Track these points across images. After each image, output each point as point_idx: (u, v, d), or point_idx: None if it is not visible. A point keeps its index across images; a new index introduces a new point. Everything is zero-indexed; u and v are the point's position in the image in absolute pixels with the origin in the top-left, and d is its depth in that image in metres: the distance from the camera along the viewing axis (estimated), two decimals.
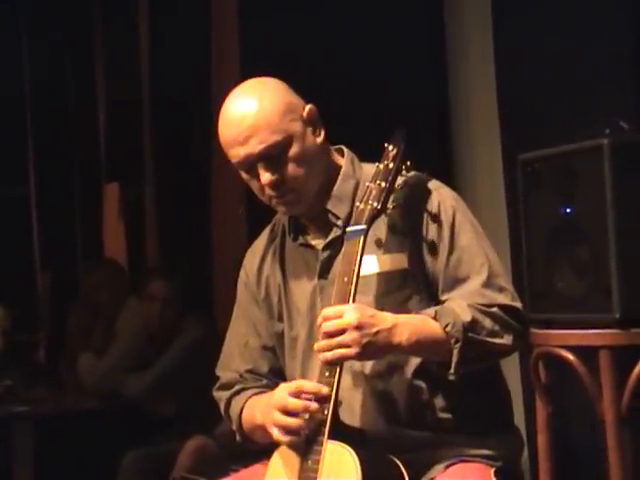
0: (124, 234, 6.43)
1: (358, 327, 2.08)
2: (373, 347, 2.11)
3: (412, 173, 2.25)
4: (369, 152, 2.37)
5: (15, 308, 5.49)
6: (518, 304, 2.26)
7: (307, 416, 2.12)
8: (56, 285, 6.65)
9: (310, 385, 2.14)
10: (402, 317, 2.16)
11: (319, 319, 2.14)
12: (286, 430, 2.15)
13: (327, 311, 2.13)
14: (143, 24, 6.05)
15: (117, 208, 6.48)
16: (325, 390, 2.11)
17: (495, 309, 2.21)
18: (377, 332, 2.10)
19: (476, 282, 2.23)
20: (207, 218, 5.39)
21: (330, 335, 2.10)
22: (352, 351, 2.09)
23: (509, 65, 3.37)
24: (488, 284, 2.23)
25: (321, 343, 2.12)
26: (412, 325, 2.15)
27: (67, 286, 6.33)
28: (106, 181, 6.59)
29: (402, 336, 2.13)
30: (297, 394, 2.14)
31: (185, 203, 5.58)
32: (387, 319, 2.13)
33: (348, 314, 2.09)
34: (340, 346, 2.09)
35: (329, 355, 2.11)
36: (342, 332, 2.09)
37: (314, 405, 2.11)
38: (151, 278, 4.93)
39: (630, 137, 2.53)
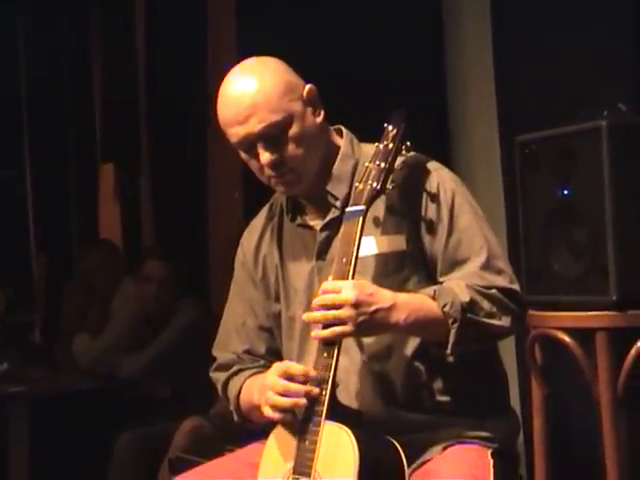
0: (120, 215, 6.42)
1: (355, 304, 2.08)
2: (369, 325, 2.10)
3: (411, 154, 2.24)
4: (367, 134, 2.37)
5: (10, 289, 5.48)
6: (516, 286, 2.26)
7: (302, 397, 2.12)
8: (51, 266, 6.64)
9: (297, 368, 2.14)
10: (401, 296, 2.15)
11: (319, 291, 2.14)
12: (277, 408, 2.15)
13: (326, 285, 2.12)
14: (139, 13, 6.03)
15: (112, 189, 6.47)
16: (313, 373, 2.11)
17: (494, 291, 2.20)
18: (375, 311, 2.10)
19: (475, 264, 2.23)
20: (203, 199, 5.39)
21: (326, 308, 2.10)
22: (347, 328, 2.09)
23: (507, 47, 3.36)
24: (487, 266, 2.23)
25: (315, 314, 2.11)
26: (411, 305, 2.14)
27: (62, 267, 6.32)
28: (101, 162, 6.57)
29: (400, 316, 2.12)
30: (287, 378, 2.14)
31: (181, 184, 5.58)
32: (386, 298, 2.12)
33: (347, 290, 2.09)
34: (335, 321, 2.09)
35: (325, 333, 2.10)
36: (339, 308, 2.09)
37: (316, 390, 2.10)
38: (147, 259, 4.93)
39: (628, 119, 2.54)
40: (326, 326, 2.11)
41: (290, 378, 2.13)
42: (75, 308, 5.33)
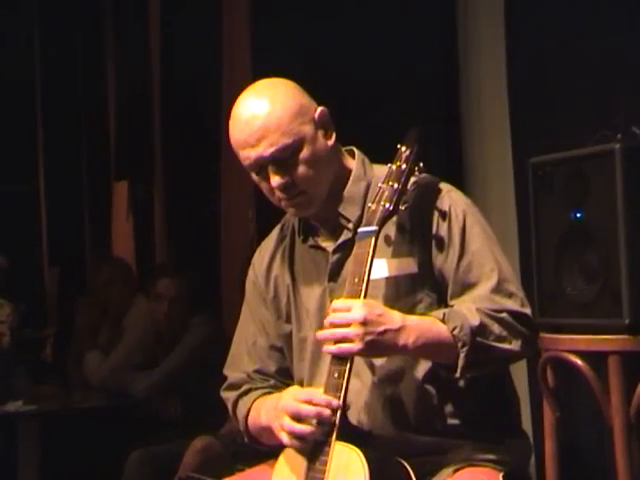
0: (133, 232, 6.44)
1: (364, 323, 2.07)
2: (377, 345, 2.10)
3: (424, 175, 2.24)
4: (379, 153, 2.36)
5: (23, 305, 5.49)
6: (528, 310, 2.25)
7: (316, 422, 2.11)
8: (64, 282, 6.65)
9: (321, 398, 2.12)
10: (411, 319, 2.15)
11: (329, 310, 2.14)
12: (295, 436, 2.14)
13: (337, 303, 2.13)
14: (154, 20, 6.05)
15: (126, 206, 6.49)
16: (335, 403, 2.10)
17: (504, 314, 2.19)
18: (384, 331, 2.09)
19: (486, 287, 2.22)
20: (216, 218, 5.40)
21: (335, 326, 2.10)
22: (355, 346, 2.08)
23: (521, 68, 3.36)
24: (498, 289, 2.22)
25: (325, 332, 2.12)
26: (420, 327, 2.14)
27: (75, 284, 6.34)
28: (115, 179, 6.60)
29: (409, 339, 2.12)
30: (308, 402, 2.14)
31: (194, 202, 5.59)
32: (395, 319, 2.12)
33: (356, 309, 2.09)
34: (344, 339, 2.09)
35: (333, 348, 2.11)
36: (348, 326, 2.09)
37: (327, 412, 2.10)
38: (159, 277, 4.93)
39: None
40: (337, 342, 2.11)
41: (310, 403, 2.12)
42: (87, 325, 5.33)
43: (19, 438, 4.59)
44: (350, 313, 2.09)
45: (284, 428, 2.16)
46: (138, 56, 6.17)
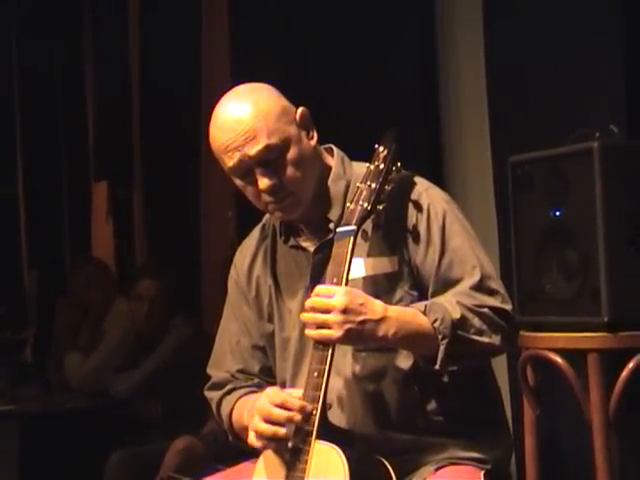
0: (112, 233, 6.42)
1: (344, 311, 2.08)
2: (356, 334, 2.10)
3: (402, 173, 2.25)
4: (358, 154, 2.37)
5: (2, 307, 5.47)
6: (508, 306, 2.26)
7: (289, 426, 2.11)
8: (43, 284, 6.63)
9: (295, 403, 2.12)
10: (392, 309, 2.15)
11: (312, 294, 2.14)
12: (260, 435, 2.14)
13: (320, 288, 2.13)
14: (133, 22, 6.04)
15: (105, 207, 6.47)
16: (309, 408, 2.10)
17: (485, 309, 2.20)
18: (363, 321, 2.10)
19: (467, 284, 2.23)
20: (196, 218, 5.39)
21: (316, 311, 2.10)
22: (333, 334, 2.09)
23: (500, 66, 3.37)
24: (479, 286, 2.23)
25: (307, 315, 2.12)
26: (401, 319, 2.14)
27: (54, 285, 6.32)
28: (95, 180, 6.58)
29: (389, 330, 2.12)
30: (282, 407, 2.13)
31: (174, 203, 5.58)
32: (376, 310, 2.12)
33: (338, 296, 2.09)
34: (323, 325, 2.09)
35: (313, 333, 2.11)
36: (328, 312, 2.09)
37: (298, 417, 2.10)
38: (139, 277, 4.92)
39: (620, 140, 2.54)
40: (318, 328, 2.11)
41: (285, 409, 2.12)
42: (67, 326, 5.32)
43: (0, 439, 4.57)
44: (332, 299, 2.09)
45: (252, 427, 2.16)
46: (117, 57, 6.15)
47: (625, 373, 2.42)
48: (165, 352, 4.73)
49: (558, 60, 3.12)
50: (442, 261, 2.25)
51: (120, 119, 6.13)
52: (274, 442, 2.14)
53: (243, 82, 2.34)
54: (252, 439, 2.17)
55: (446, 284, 2.25)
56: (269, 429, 2.12)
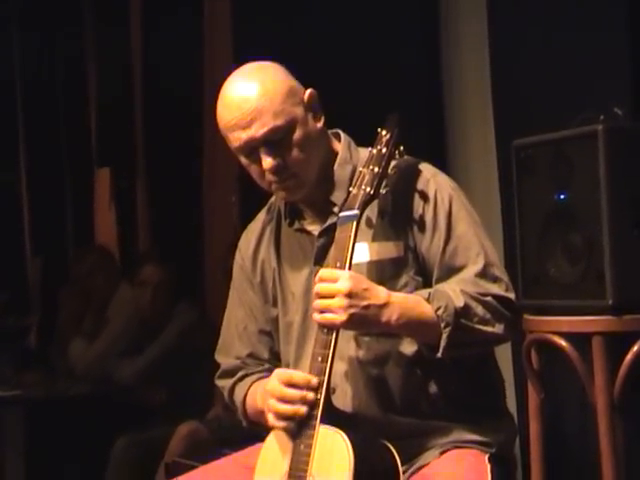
0: (115, 219, 6.42)
1: (348, 295, 2.08)
2: (360, 319, 2.10)
3: (405, 158, 2.24)
4: (361, 137, 2.36)
5: (6, 293, 5.48)
6: (512, 295, 2.26)
7: (301, 404, 2.11)
8: (47, 271, 6.63)
9: (299, 377, 2.13)
10: (396, 296, 2.15)
11: (316, 279, 2.13)
12: (280, 416, 2.15)
13: (324, 272, 2.13)
14: (135, 8, 6.03)
15: (108, 193, 6.46)
16: (314, 381, 2.10)
17: (489, 298, 2.20)
18: (367, 306, 2.10)
19: (471, 271, 2.22)
20: (199, 204, 5.39)
21: (321, 296, 2.10)
22: (337, 318, 2.08)
23: (503, 49, 3.36)
24: (483, 274, 2.23)
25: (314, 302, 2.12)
26: (404, 305, 2.14)
27: (58, 272, 6.32)
28: (97, 166, 6.57)
29: (392, 316, 2.12)
30: (290, 384, 2.14)
31: (177, 189, 5.57)
32: (380, 295, 2.12)
33: (342, 281, 2.09)
34: (327, 309, 2.09)
35: (317, 317, 2.11)
36: (332, 297, 2.09)
37: (311, 395, 2.10)
38: (143, 264, 4.93)
39: (624, 123, 2.53)
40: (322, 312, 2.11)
41: (292, 385, 2.13)
42: (71, 313, 5.32)
43: (5, 425, 4.58)
44: (336, 284, 2.09)
45: (269, 409, 2.16)
46: (120, 43, 6.14)
47: (629, 356, 2.42)
48: (169, 338, 4.74)
49: (562, 43, 3.12)
50: (447, 247, 2.25)
51: (122, 105, 6.12)
52: (295, 421, 2.13)
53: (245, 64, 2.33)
54: (272, 420, 2.17)
55: (450, 271, 2.25)
56: (289, 409, 2.12)
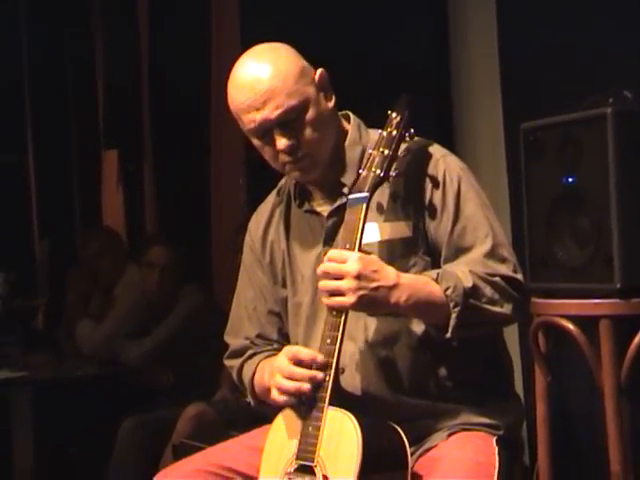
0: (122, 201, 6.42)
1: (357, 277, 2.07)
2: (369, 301, 2.10)
3: (416, 139, 2.24)
4: (370, 120, 2.36)
5: (13, 275, 5.48)
6: (520, 276, 2.26)
7: (308, 383, 2.12)
8: (54, 252, 6.64)
9: (306, 353, 2.14)
10: (405, 277, 2.15)
11: (324, 259, 2.13)
12: (283, 391, 2.15)
13: (333, 253, 2.12)
14: None
15: (116, 175, 6.46)
16: (320, 358, 2.11)
17: (497, 278, 2.21)
18: (376, 287, 2.09)
19: (479, 252, 2.23)
20: (206, 186, 5.38)
21: (329, 276, 2.10)
22: (346, 300, 2.08)
23: (512, 32, 3.35)
24: (491, 254, 2.23)
25: (321, 282, 2.12)
26: (414, 286, 2.14)
27: (65, 253, 6.32)
28: (105, 148, 6.57)
29: (401, 297, 2.12)
30: (296, 361, 2.14)
31: (184, 171, 5.57)
32: (389, 277, 2.12)
33: (351, 262, 2.09)
34: (336, 291, 2.09)
35: (326, 300, 2.11)
36: (341, 278, 2.08)
37: (320, 375, 2.10)
38: (150, 245, 4.93)
39: (633, 106, 2.52)
40: (330, 295, 2.11)
41: (299, 362, 2.13)
42: (78, 294, 5.33)
43: (12, 406, 4.59)
44: (345, 265, 2.09)
45: (274, 384, 2.18)
46: (127, 26, 6.13)
47: (637, 339, 2.42)
48: (176, 320, 4.74)
49: (571, 25, 3.11)
50: (455, 228, 2.25)
51: (129, 87, 6.11)
52: (297, 398, 2.14)
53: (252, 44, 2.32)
54: (275, 395, 2.18)
55: (458, 251, 2.25)
56: (293, 385, 2.13)
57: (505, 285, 2.22)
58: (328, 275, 2.11)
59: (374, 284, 2.09)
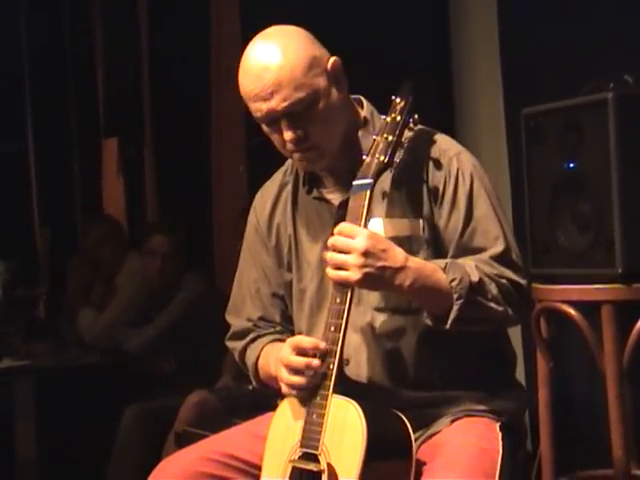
0: (123, 189, 6.42)
1: (364, 254, 2.06)
2: (374, 279, 2.08)
3: (419, 127, 2.23)
4: (373, 105, 2.35)
5: (15, 263, 5.48)
6: (524, 282, 2.24)
7: (311, 373, 2.11)
8: (55, 240, 6.64)
9: (308, 342, 2.14)
10: (413, 261, 2.13)
11: (335, 232, 2.11)
12: (292, 387, 2.15)
13: (344, 226, 2.11)
14: None
15: (116, 163, 6.46)
16: (323, 345, 2.10)
17: (504, 280, 2.19)
18: (383, 267, 2.08)
19: (489, 254, 2.21)
20: (207, 173, 5.38)
21: (336, 249, 2.09)
22: (351, 275, 2.07)
23: (513, 18, 3.34)
24: (500, 258, 2.21)
25: (328, 254, 2.10)
26: (420, 271, 2.12)
27: (66, 242, 6.32)
28: (105, 136, 6.56)
29: (406, 280, 2.10)
30: (299, 351, 2.14)
31: (185, 158, 5.57)
32: (398, 258, 2.10)
33: (360, 238, 2.07)
34: (342, 265, 2.07)
35: (331, 274, 2.10)
36: (348, 253, 2.07)
37: (316, 362, 2.10)
38: (151, 233, 4.92)
39: (634, 91, 2.51)
40: (336, 269, 2.09)
41: (302, 352, 2.13)
42: (79, 283, 5.33)
43: (15, 395, 4.60)
44: (354, 241, 2.07)
45: (281, 379, 2.17)
46: (127, 13, 6.11)
47: (639, 324, 2.42)
48: (178, 308, 4.74)
49: (572, 10, 3.10)
50: (466, 229, 2.23)
51: (130, 75, 6.10)
52: (308, 390, 2.13)
53: (253, 36, 2.27)
54: (285, 390, 2.18)
55: (466, 252, 2.22)
56: (299, 380, 2.12)
57: (510, 287, 2.20)
58: (335, 248, 2.09)
59: (380, 263, 2.07)
